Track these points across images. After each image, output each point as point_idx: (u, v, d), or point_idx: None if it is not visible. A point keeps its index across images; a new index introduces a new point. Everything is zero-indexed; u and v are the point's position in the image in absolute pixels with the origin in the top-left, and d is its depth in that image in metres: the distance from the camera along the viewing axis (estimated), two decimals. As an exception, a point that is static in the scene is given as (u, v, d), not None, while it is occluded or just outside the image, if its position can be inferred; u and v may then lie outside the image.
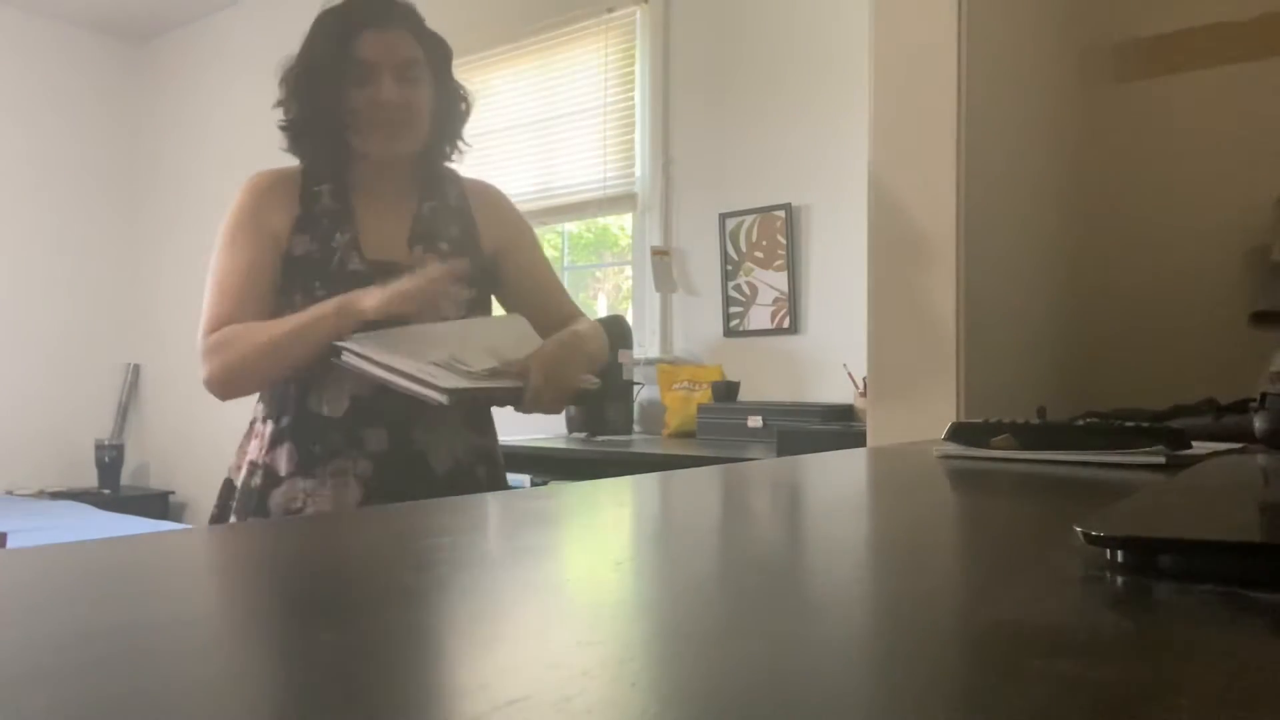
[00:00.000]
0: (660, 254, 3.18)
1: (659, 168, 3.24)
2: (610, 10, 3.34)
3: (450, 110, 1.45)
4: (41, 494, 4.70)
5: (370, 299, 1.24)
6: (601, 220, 3.64)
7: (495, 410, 1.44)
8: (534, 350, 1.32)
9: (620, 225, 3.49)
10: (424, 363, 1.23)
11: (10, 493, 4.69)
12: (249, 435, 1.39)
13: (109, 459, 4.82)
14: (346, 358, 1.24)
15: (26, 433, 4.86)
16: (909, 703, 0.23)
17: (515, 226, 1.52)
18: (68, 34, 5.06)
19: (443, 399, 1.18)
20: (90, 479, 4.89)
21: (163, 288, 5.11)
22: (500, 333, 1.39)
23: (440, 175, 1.47)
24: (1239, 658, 0.28)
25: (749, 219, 3.01)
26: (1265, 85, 1.74)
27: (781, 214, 2.94)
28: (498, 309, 1.54)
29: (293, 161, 1.43)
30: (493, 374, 1.27)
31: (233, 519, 1.35)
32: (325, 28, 1.35)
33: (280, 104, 1.39)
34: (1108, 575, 0.39)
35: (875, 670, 0.27)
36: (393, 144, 1.37)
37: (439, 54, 1.42)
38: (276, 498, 1.31)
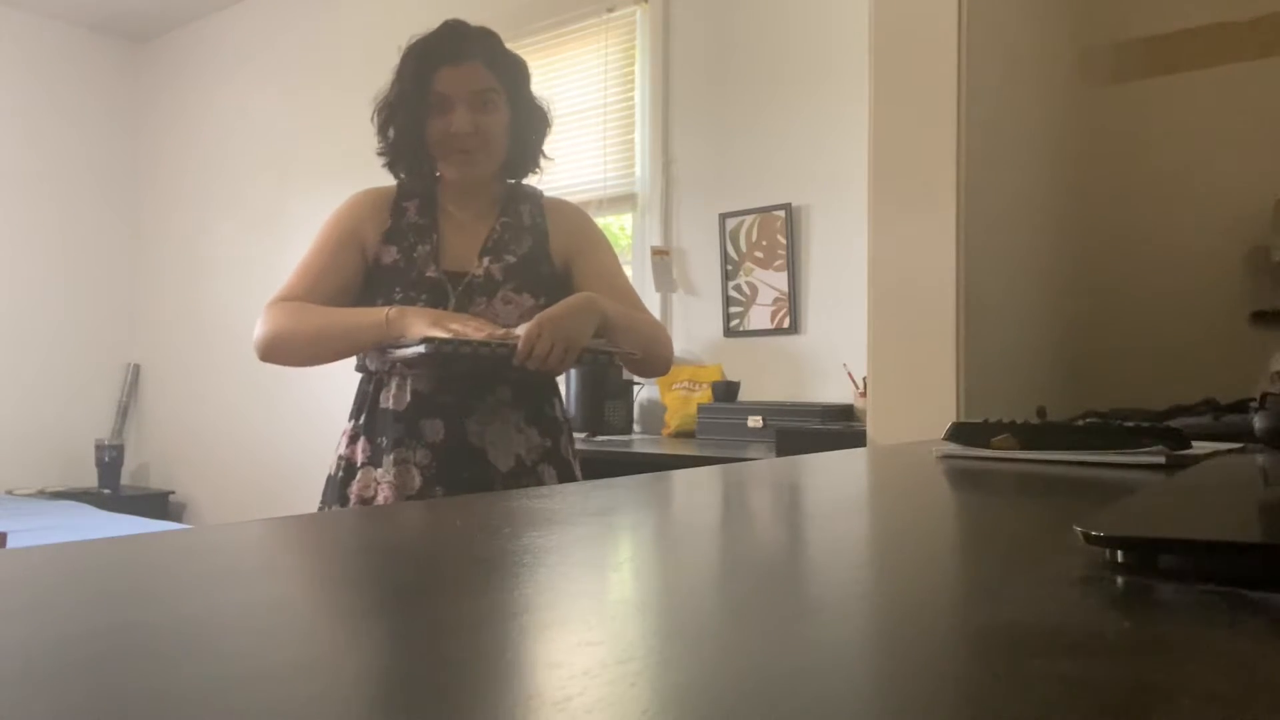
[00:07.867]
0: (660, 254, 3.18)
1: (659, 168, 3.24)
2: (610, 10, 3.34)
3: (528, 128, 1.54)
4: (41, 494, 4.70)
5: (419, 324, 1.32)
6: (601, 220, 3.64)
7: None
8: None
9: (620, 225, 3.49)
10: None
11: (10, 493, 4.69)
12: (342, 434, 1.50)
13: (109, 459, 4.82)
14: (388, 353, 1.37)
15: (26, 433, 4.86)
16: (909, 702, 0.23)
17: (586, 235, 1.59)
18: (68, 34, 5.06)
19: (420, 348, 1.25)
20: (90, 479, 4.89)
21: (163, 288, 5.11)
22: None
23: (519, 193, 1.57)
24: (1239, 658, 0.28)
25: (749, 219, 3.01)
26: (1265, 85, 1.74)
27: (781, 214, 2.94)
28: None
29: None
30: (488, 337, 1.31)
31: (326, 509, 1.47)
32: (408, 63, 1.47)
33: (377, 134, 1.52)
34: (1108, 575, 0.39)
35: (875, 670, 0.27)
36: (468, 169, 1.49)
37: (514, 77, 1.52)
38: (354, 487, 1.42)
